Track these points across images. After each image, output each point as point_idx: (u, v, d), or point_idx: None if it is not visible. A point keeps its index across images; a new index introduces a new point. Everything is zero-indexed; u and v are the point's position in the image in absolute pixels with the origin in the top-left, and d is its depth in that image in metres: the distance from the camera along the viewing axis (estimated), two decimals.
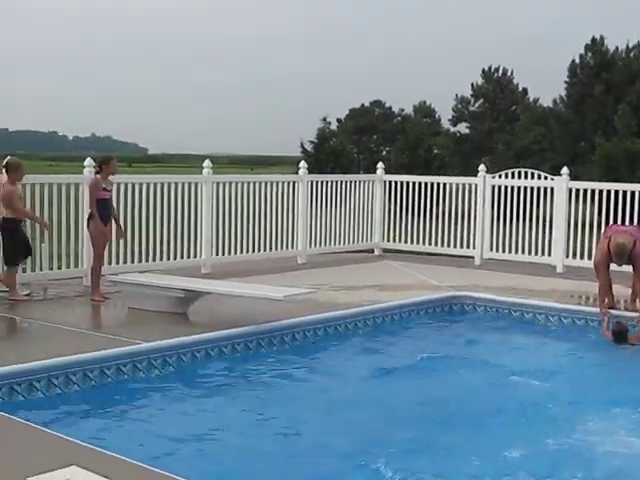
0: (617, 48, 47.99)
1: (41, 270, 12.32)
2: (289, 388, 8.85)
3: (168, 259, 13.93)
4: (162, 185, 13.88)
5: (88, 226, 11.93)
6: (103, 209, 11.71)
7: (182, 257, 14.14)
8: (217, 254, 14.64)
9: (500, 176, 16.58)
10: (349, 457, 6.82)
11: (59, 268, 12.77)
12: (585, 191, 15.92)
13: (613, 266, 11.41)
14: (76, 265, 12.80)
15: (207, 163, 14.50)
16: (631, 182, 20.07)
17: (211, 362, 9.26)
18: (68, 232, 12.74)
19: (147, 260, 13.59)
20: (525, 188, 16.16)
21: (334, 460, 6.78)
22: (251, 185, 15.23)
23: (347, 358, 10.04)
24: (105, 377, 8.43)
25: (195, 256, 14.33)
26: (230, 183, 14.92)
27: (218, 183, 14.63)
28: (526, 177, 16.25)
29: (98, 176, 11.89)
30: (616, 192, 15.25)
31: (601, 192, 15.50)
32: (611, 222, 14.83)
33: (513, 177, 16.40)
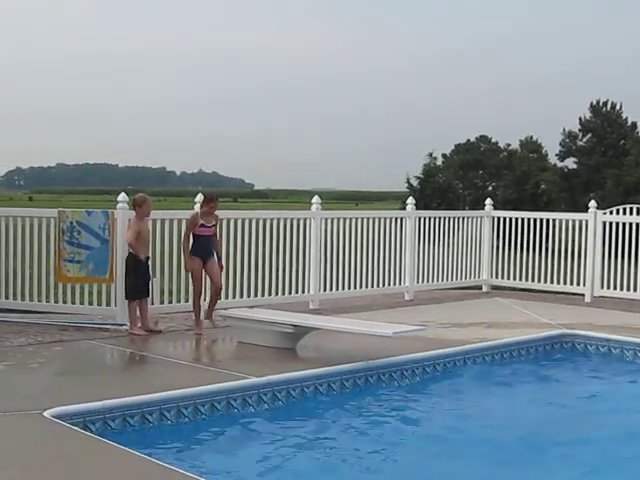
0: None
1: (152, 304, 12.49)
2: (398, 425, 8.77)
3: (277, 294, 14.03)
4: (271, 221, 14.01)
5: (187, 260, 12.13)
6: (197, 245, 11.88)
7: (290, 293, 14.23)
8: (325, 290, 14.69)
9: (611, 212, 16.32)
10: None
11: (170, 302, 12.96)
12: None
13: None
14: (186, 300, 12.97)
15: (316, 199, 14.60)
16: None
17: (320, 397, 9.26)
18: (179, 267, 12.94)
19: (256, 295, 13.71)
20: (637, 224, 15.86)
21: None
22: (359, 221, 15.27)
23: (458, 396, 9.92)
24: (215, 411, 8.50)
25: (303, 291, 14.40)
26: (338, 219, 14.99)
27: (326, 219, 14.71)
28: (638, 213, 15.95)
29: (198, 211, 12.12)
30: None
31: None
32: None
33: (625, 213, 16.11)
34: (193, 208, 13.09)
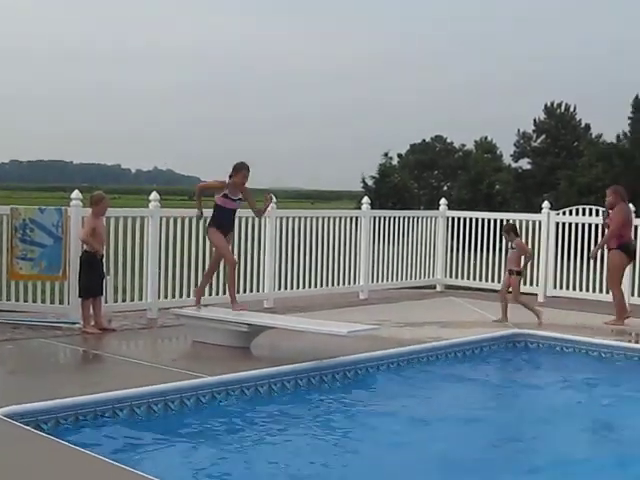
0: None
1: (106, 302, 12.39)
2: (350, 424, 8.79)
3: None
4: None
5: (207, 232, 11.76)
6: (219, 217, 11.40)
7: (245, 291, 14.19)
8: (279, 289, 14.69)
9: (564, 213, 16.47)
10: None
11: (123, 300, 12.89)
12: None
13: None
14: (140, 298, 12.92)
15: None
16: None
17: (274, 396, 9.25)
18: (133, 265, 12.88)
19: (210, 294, 13.66)
20: (590, 225, 16.02)
21: None
22: (314, 220, 15.29)
23: (409, 395, 9.96)
24: (169, 410, 8.47)
25: (258, 290, 14.38)
26: (293, 218, 14.99)
27: (281, 218, 14.70)
28: (590, 214, 16.11)
29: (229, 180, 11.38)
30: None
31: None
32: None
33: (577, 214, 16.27)
34: (148, 206, 13.04)
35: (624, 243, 13.74)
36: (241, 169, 11.27)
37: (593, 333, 12.55)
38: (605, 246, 13.98)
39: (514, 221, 17.54)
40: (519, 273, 13.70)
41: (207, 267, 12.38)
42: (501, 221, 17.17)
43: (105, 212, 12.00)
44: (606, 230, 14.01)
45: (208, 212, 11.68)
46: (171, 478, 6.11)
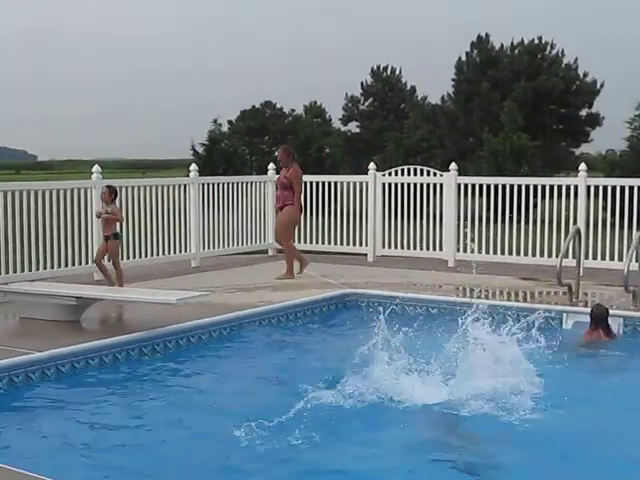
0: (502, 45, 48.68)
1: None
2: (186, 392, 8.79)
3: (60, 267, 13.70)
4: (50, 192, 13.64)
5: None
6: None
7: (74, 264, 13.93)
8: (109, 260, 14.45)
9: (390, 174, 16.79)
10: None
11: None
12: (473, 186, 16.21)
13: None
14: None
15: (96, 168, 14.32)
16: (517, 176, 20.56)
17: (105, 369, 9.16)
18: None
19: (38, 268, 13.35)
20: (415, 185, 16.38)
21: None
22: (142, 189, 15.08)
23: (243, 360, 10.01)
24: None
25: (87, 263, 14.12)
26: (120, 187, 14.75)
27: None
28: (415, 174, 16.48)
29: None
30: (503, 186, 15.59)
31: (489, 186, 15.83)
32: (499, 215, 15.23)
33: (403, 174, 16.62)
34: None
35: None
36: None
37: (421, 290, 12.87)
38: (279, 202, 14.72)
39: (342, 183, 17.87)
40: (116, 236, 13.16)
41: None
42: (329, 184, 17.40)
43: None
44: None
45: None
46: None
